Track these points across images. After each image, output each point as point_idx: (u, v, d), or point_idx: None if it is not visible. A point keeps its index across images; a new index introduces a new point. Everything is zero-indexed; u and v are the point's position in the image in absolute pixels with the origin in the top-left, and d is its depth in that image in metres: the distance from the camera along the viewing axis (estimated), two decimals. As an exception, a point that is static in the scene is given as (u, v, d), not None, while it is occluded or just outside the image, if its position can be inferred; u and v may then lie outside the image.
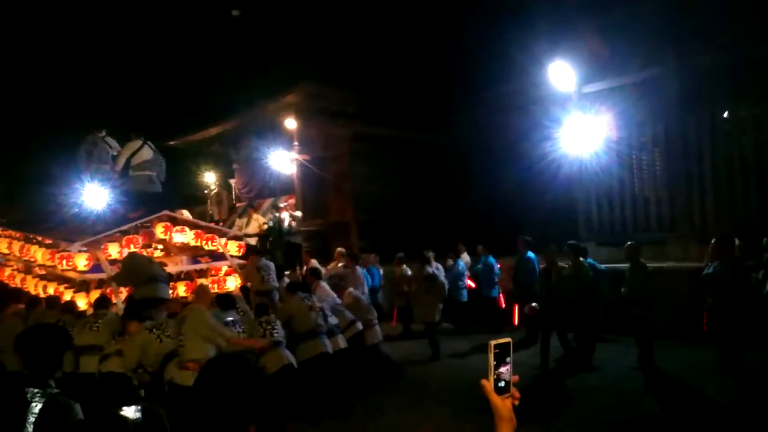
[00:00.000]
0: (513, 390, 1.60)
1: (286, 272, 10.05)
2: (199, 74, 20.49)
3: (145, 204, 9.75)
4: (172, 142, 19.10)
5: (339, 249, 11.32)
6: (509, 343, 1.60)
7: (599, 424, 6.00)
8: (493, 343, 1.58)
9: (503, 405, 1.57)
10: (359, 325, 7.65)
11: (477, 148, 15.69)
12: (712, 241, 7.75)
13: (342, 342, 7.07)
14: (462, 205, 15.72)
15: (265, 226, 13.64)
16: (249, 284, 8.72)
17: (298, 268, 11.67)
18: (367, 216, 15.97)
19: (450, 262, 11.31)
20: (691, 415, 6.08)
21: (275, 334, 6.43)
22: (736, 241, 7.81)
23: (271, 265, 8.87)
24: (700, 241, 9.79)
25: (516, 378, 1.61)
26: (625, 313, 7.84)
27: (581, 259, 8.40)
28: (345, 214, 16.48)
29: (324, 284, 8.54)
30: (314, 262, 10.49)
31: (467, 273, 11.19)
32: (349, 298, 8.12)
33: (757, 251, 8.01)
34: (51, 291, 8.48)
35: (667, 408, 6.36)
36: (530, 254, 9.65)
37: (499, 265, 11.01)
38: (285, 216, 13.67)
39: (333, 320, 7.15)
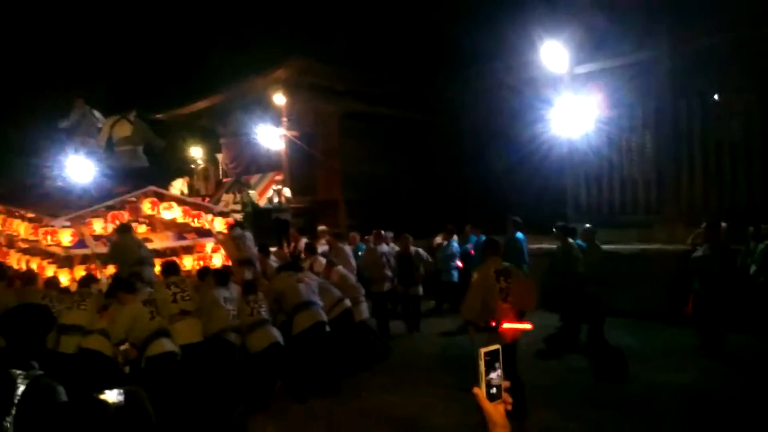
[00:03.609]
0: (504, 395, 1.62)
1: (273, 249, 9.99)
2: (187, 46, 20.12)
3: (131, 179, 9.63)
4: (158, 116, 18.84)
5: (321, 227, 11.25)
6: (498, 350, 1.61)
7: (584, 405, 6.04)
8: (483, 350, 1.58)
9: (496, 411, 1.59)
10: (347, 302, 7.61)
11: (468, 128, 15.64)
12: (702, 225, 7.82)
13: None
14: (452, 184, 15.69)
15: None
16: (229, 258, 8.68)
17: (285, 245, 11.59)
18: (356, 194, 15.90)
19: (437, 240, 11.30)
20: (673, 397, 6.14)
21: (262, 312, 6.41)
22: (723, 225, 7.91)
23: (247, 233, 8.81)
24: (687, 224, 9.87)
25: (507, 383, 1.63)
26: (582, 290, 7.99)
27: (570, 240, 8.42)
28: (334, 192, 16.40)
29: (321, 258, 8.59)
30: (303, 241, 10.42)
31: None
32: (336, 276, 8.09)
33: (743, 236, 8.11)
34: (34, 266, 8.37)
35: (649, 389, 6.41)
36: (519, 235, 9.64)
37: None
38: (272, 193, 13.60)
39: (318, 301, 7.11)
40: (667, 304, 8.78)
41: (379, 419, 5.87)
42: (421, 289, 9.90)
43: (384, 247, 9.69)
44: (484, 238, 10.91)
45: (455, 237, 11.23)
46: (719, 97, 10.62)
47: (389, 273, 9.42)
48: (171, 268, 6.81)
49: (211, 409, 5.73)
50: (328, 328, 6.93)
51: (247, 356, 6.29)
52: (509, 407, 1.61)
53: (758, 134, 9.99)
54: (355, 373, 7.23)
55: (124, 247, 7.69)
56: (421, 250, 10.00)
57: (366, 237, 10.95)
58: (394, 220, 12.37)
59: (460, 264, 11.15)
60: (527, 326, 5.40)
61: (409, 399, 6.40)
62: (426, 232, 12.16)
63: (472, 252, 11.20)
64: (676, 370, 7.01)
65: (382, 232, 10.06)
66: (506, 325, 5.30)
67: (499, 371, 1.61)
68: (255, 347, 6.24)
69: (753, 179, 10.06)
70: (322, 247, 9.95)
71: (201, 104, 18.71)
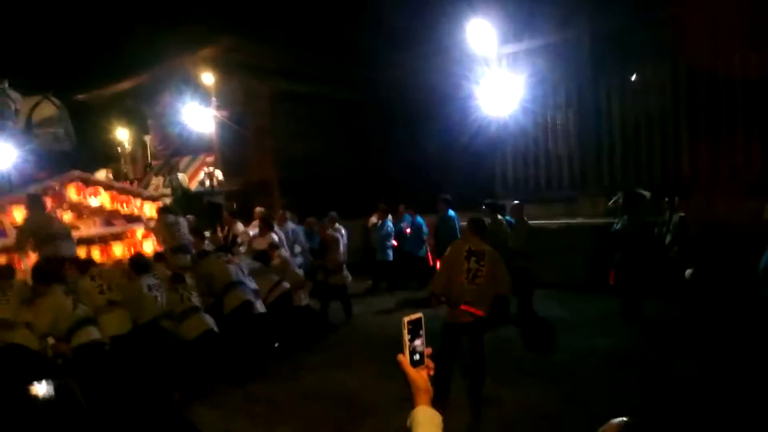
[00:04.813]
0: (427, 361, 1.70)
1: (207, 233, 9.84)
2: (109, 23, 19.24)
3: (52, 164, 9.24)
4: (80, 96, 18.05)
5: (258, 209, 11.13)
6: (421, 318, 1.69)
7: (515, 373, 6.33)
8: (406, 319, 1.66)
9: (419, 376, 1.67)
10: (286, 284, 7.66)
11: (399, 108, 15.74)
12: (618, 195, 8.25)
13: (260, 307, 7.06)
14: (386, 164, 15.80)
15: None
16: (161, 244, 8.50)
17: (219, 229, 11.42)
18: (290, 174, 15.77)
19: (372, 220, 11.43)
20: (597, 362, 6.54)
21: (192, 299, 6.38)
22: (647, 193, 8.34)
23: (181, 220, 8.60)
24: (609, 198, 10.35)
25: (429, 350, 1.71)
26: (510, 264, 8.27)
27: (499, 216, 8.68)
28: (267, 173, 16.20)
29: (274, 236, 8.64)
30: (239, 225, 10.29)
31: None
32: (277, 260, 8.10)
33: (660, 207, 8.60)
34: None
35: (575, 355, 6.79)
36: (451, 213, 9.91)
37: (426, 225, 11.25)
38: (204, 175, 13.30)
39: (251, 284, 7.12)
40: (591, 275, 9.25)
41: (319, 398, 5.98)
42: (343, 277, 9.12)
43: (289, 225, 9.96)
44: (419, 218, 11.29)
45: (390, 217, 11.39)
46: (636, 75, 11.10)
47: (298, 248, 9.67)
48: (87, 263, 6.71)
49: (147, 397, 5.67)
50: (262, 309, 6.99)
51: (182, 343, 6.24)
52: (431, 372, 1.69)
53: (671, 110, 10.53)
54: (293, 354, 7.32)
55: (34, 222, 7.37)
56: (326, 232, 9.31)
57: (308, 219, 10.93)
58: (329, 200, 12.40)
59: (395, 243, 11.35)
60: (480, 313, 5.42)
61: (347, 377, 6.53)
62: (361, 212, 12.27)
63: (407, 231, 11.44)
64: (599, 336, 7.43)
65: (287, 213, 10.58)
66: (461, 306, 5.41)
67: (423, 339, 1.68)
68: (189, 335, 6.21)
69: (667, 153, 10.63)
70: (254, 230, 9.84)
71: (125, 84, 18.03)
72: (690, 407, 4.99)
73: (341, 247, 9.03)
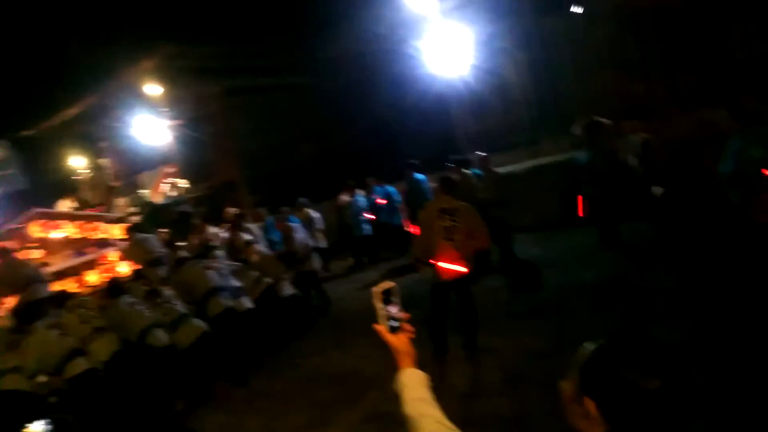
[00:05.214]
0: (405, 325, 1.73)
1: (181, 244, 9.75)
2: (42, 53, 18.70)
3: (12, 205, 9.11)
4: (26, 132, 17.59)
5: (229, 209, 11.04)
6: (391, 287, 1.74)
7: (505, 319, 6.44)
8: (377, 290, 1.72)
9: (399, 341, 1.71)
10: (267, 279, 7.69)
11: (350, 83, 15.56)
12: (580, 129, 8.28)
13: (248, 303, 7.08)
14: (347, 141, 15.70)
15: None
16: (136, 262, 8.42)
17: (191, 237, 11.28)
18: (254, 170, 15.62)
19: (343, 199, 11.41)
20: (582, 293, 6.65)
21: (178, 308, 6.37)
22: (607, 122, 8.37)
23: (149, 236, 8.54)
24: (569, 134, 10.43)
25: (407, 315, 1.74)
26: (484, 214, 8.32)
27: (465, 171, 8.70)
28: (230, 173, 16.00)
29: (246, 235, 8.64)
30: (210, 229, 10.19)
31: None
32: (255, 256, 8.10)
33: (619, 132, 8.65)
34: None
35: (561, 291, 6.91)
36: (418, 176, 9.94)
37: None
38: (167, 187, 13.11)
39: (235, 283, 7.12)
40: (563, 212, 9.33)
41: (320, 381, 6.05)
42: (311, 263, 9.02)
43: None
44: (389, 187, 11.29)
45: (360, 192, 11.40)
46: (579, 9, 11.09)
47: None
48: (62, 297, 6.66)
49: (149, 413, 5.68)
50: (250, 305, 7.05)
51: (177, 353, 6.23)
52: (412, 335, 1.73)
53: (619, 39, 10.57)
54: (287, 344, 7.36)
55: (8, 275, 7.34)
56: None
57: (281, 209, 10.82)
58: (297, 188, 12.32)
59: (372, 216, 11.36)
60: (462, 269, 5.47)
61: (344, 356, 6.59)
62: (332, 193, 12.24)
63: (378, 202, 11.47)
64: (581, 268, 7.56)
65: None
66: (442, 265, 5.47)
67: (397, 305, 1.72)
68: (184, 342, 6.22)
69: (621, 81, 10.69)
70: (225, 232, 9.76)
71: (72, 111, 17.58)
72: (672, 321, 5.10)
73: (301, 234, 8.97)
